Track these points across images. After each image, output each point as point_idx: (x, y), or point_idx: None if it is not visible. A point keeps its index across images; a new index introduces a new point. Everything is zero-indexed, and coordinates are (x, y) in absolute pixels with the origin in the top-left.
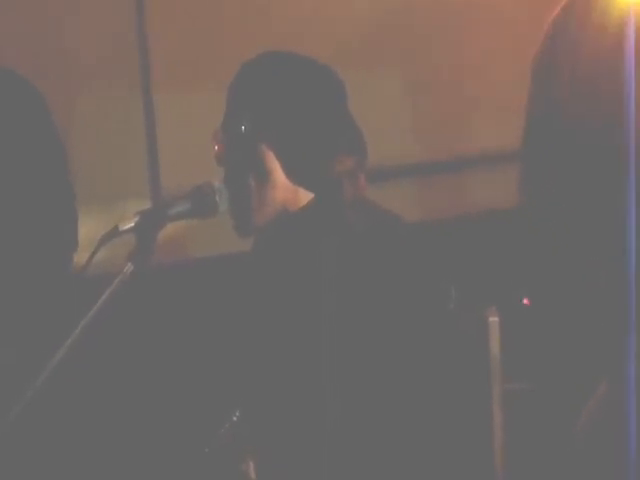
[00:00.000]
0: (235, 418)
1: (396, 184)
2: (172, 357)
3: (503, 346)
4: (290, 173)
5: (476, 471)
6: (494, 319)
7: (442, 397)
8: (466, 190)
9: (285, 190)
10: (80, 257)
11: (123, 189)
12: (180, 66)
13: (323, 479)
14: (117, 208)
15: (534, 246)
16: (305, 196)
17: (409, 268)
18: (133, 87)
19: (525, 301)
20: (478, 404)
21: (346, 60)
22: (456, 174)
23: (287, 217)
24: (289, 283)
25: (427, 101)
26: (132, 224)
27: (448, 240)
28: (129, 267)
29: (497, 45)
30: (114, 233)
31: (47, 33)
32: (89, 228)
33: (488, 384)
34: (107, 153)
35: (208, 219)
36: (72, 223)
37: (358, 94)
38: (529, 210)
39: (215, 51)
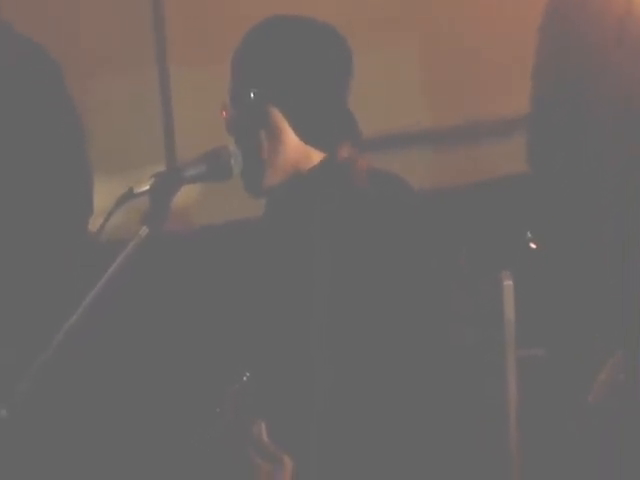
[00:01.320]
0: (245, 379)
1: (409, 150)
2: (183, 322)
3: (517, 312)
4: (300, 133)
5: (490, 440)
6: (508, 283)
7: (455, 364)
8: (480, 156)
9: (296, 150)
10: (96, 224)
11: (139, 159)
12: (195, 36)
13: (330, 441)
14: (133, 178)
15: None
16: (317, 156)
17: (420, 233)
18: (148, 58)
19: (532, 245)
20: (492, 370)
21: (359, 25)
22: (469, 140)
23: (299, 177)
24: (300, 244)
25: (440, 66)
26: (147, 186)
27: (461, 206)
28: (144, 230)
29: (515, 10)
30: (129, 195)
31: (64, 6)
32: (105, 198)
33: (502, 349)
34: (123, 123)
35: (222, 181)
36: (87, 189)
37: (371, 59)
38: (537, 177)
39: (230, 20)
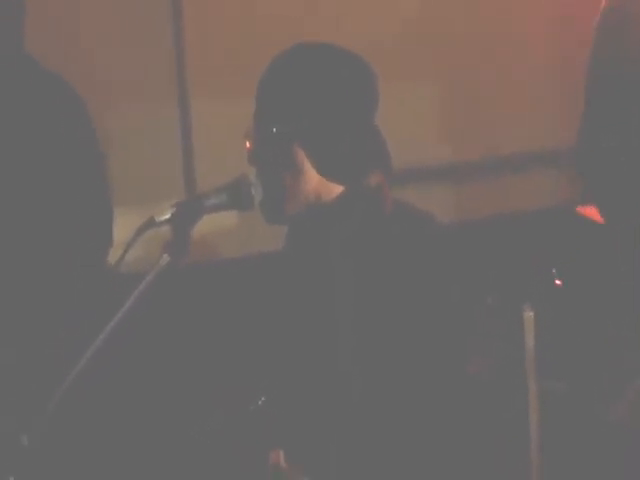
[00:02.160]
0: (260, 402)
1: (431, 185)
2: (204, 347)
3: (540, 344)
4: (322, 170)
5: (513, 468)
6: (529, 314)
7: (478, 394)
8: (499, 192)
9: (318, 183)
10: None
11: (159, 191)
12: (215, 66)
13: (345, 464)
14: (152, 210)
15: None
16: (338, 188)
17: (441, 264)
18: (169, 89)
19: (557, 282)
20: (515, 401)
21: (380, 60)
22: (489, 176)
23: (318, 207)
24: (319, 272)
25: (462, 103)
26: (168, 215)
27: (482, 240)
28: (165, 258)
29: (532, 48)
30: (151, 223)
31: (87, 40)
32: (124, 229)
33: (524, 379)
34: (143, 154)
35: (243, 211)
36: (108, 220)
37: (393, 96)
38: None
39: (251, 51)
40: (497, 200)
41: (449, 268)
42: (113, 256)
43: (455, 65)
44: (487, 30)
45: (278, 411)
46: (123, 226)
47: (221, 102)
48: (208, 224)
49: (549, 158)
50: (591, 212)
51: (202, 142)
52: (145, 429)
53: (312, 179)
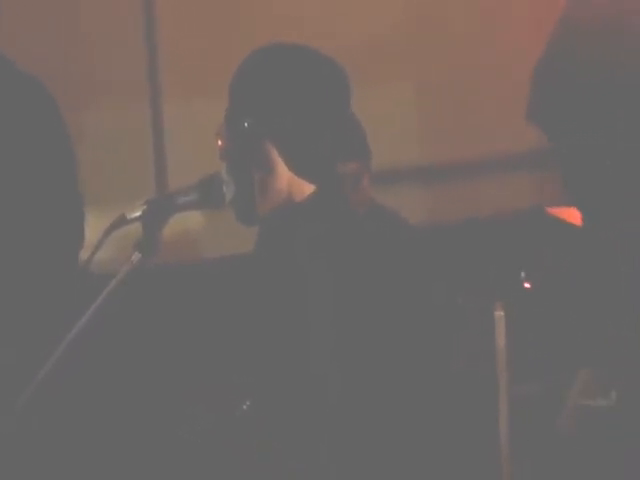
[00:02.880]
0: (245, 407)
1: (403, 187)
2: (180, 350)
3: (510, 346)
4: (293, 167)
5: (482, 472)
6: (500, 313)
7: (448, 396)
8: (473, 194)
9: (289, 181)
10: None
11: (131, 192)
12: (187, 66)
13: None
14: (124, 209)
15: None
16: (309, 187)
17: (413, 265)
18: (140, 90)
19: (527, 285)
20: (485, 403)
21: (355, 61)
22: (464, 178)
23: (291, 207)
24: (293, 273)
25: (436, 104)
26: (139, 212)
27: (454, 241)
28: (136, 256)
29: (509, 48)
30: (121, 221)
31: (58, 39)
32: (96, 230)
33: (495, 379)
34: (114, 155)
35: (214, 210)
36: (79, 221)
37: (368, 96)
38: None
39: (223, 51)
40: (471, 202)
41: (422, 269)
42: (84, 256)
43: (432, 66)
44: (466, 31)
45: (264, 414)
46: (95, 226)
47: (193, 101)
48: (180, 224)
49: (524, 160)
50: (560, 212)
51: (174, 141)
52: (119, 430)
53: (283, 177)
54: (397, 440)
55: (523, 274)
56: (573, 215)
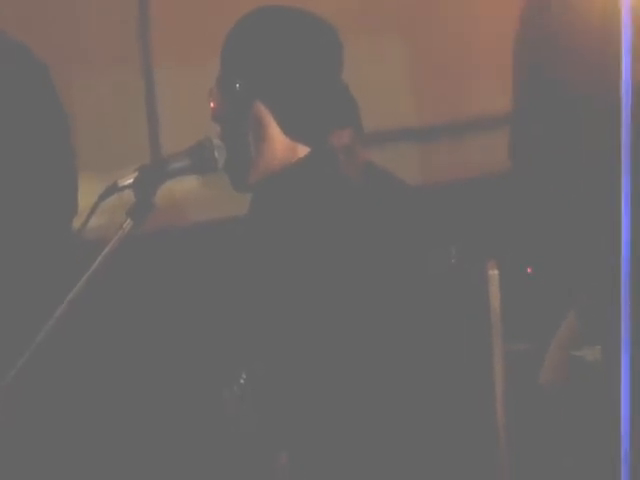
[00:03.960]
0: (242, 380)
1: (396, 147)
2: (173, 320)
3: (504, 306)
4: (286, 129)
5: (477, 431)
6: (494, 272)
7: (443, 356)
8: (465, 153)
9: (282, 145)
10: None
11: (124, 158)
12: (179, 32)
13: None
14: (117, 176)
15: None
16: (303, 150)
17: (409, 228)
18: (132, 56)
19: (529, 270)
20: (480, 361)
21: (347, 22)
22: (456, 137)
23: (284, 172)
24: (287, 237)
25: (427, 62)
26: (131, 180)
27: (449, 202)
28: (128, 223)
29: (502, 8)
30: (113, 188)
31: (50, 7)
32: (89, 197)
33: (489, 339)
34: (107, 121)
35: (207, 175)
36: (72, 188)
37: (359, 57)
38: (518, 174)
39: (215, 16)
40: (465, 161)
41: (418, 231)
42: (78, 222)
43: (422, 26)
44: None
45: (261, 389)
46: (88, 192)
47: (185, 67)
48: (173, 188)
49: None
50: None
51: (166, 106)
52: (111, 409)
53: (277, 140)
54: (396, 402)
55: (527, 261)
56: None
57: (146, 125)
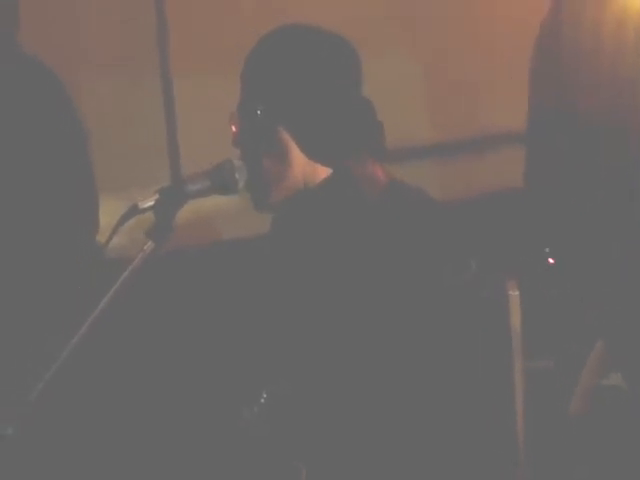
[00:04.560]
0: (263, 400)
1: (414, 164)
2: (195, 340)
3: (525, 323)
4: (307, 152)
5: (498, 450)
6: (514, 293)
7: (462, 375)
8: (483, 169)
9: (303, 167)
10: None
11: (144, 176)
12: (199, 47)
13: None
14: (138, 195)
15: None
16: (324, 171)
17: (428, 243)
18: (152, 71)
19: (550, 260)
20: (500, 382)
21: (366, 40)
22: (473, 153)
23: (305, 192)
24: (309, 258)
25: (446, 79)
26: (152, 202)
27: (467, 218)
28: (149, 245)
29: (519, 25)
30: (134, 211)
31: (67, 18)
32: (110, 215)
33: (509, 360)
34: (127, 139)
35: (227, 196)
36: (93, 206)
37: (378, 75)
38: (533, 195)
39: (234, 33)
40: (483, 178)
41: (440, 249)
42: (99, 242)
43: (440, 43)
44: (474, 7)
45: (282, 408)
46: (108, 211)
47: (207, 85)
48: (194, 207)
49: None
50: None
51: (187, 125)
52: (130, 422)
53: (298, 162)
54: (417, 419)
55: (547, 249)
56: None
57: (166, 143)
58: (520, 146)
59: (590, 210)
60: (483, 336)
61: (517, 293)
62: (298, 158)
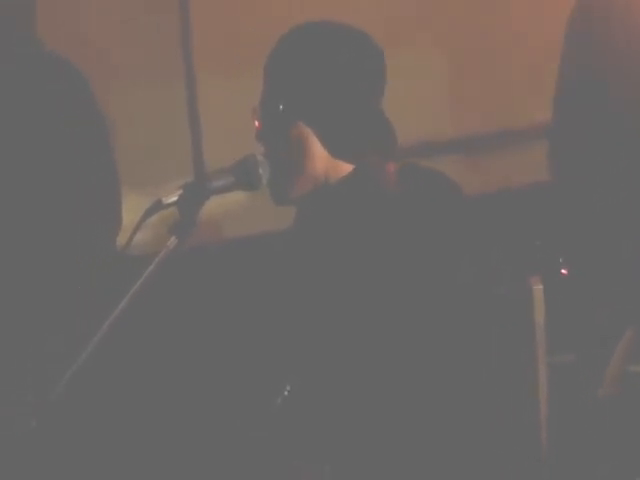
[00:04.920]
0: (287, 392)
1: (440, 159)
2: (216, 334)
3: (547, 318)
4: (329, 148)
5: (521, 445)
6: (538, 287)
7: (486, 369)
8: (511, 165)
9: (324, 162)
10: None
11: (168, 172)
12: (222, 46)
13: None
14: (162, 191)
15: (571, 219)
16: (345, 167)
17: (451, 238)
18: (175, 69)
19: (563, 271)
20: (523, 376)
21: (389, 34)
22: (500, 149)
23: (327, 188)
24: (331, 254)
25: (469, 74)
26: (175, 197)
27: (493, 213)
28: (172, 241)
29: (545, 20)
30: (158, 206)
31: (91, 19)
32: (133, 211)
33: (533, 355)
34: (150, 136)
35: (252, 192)
36: (115, 202)
37: (402, 69)
38: (559, 186)
39: (258, 29)
40: (508, 173)
41: (459, 240)
42: (122, 239)
43: (465, 36)
44: (496, 3)
45: (303, 403)
46: (132, 208)
47: (229, 80)
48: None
49: None
50: None
51: (210, 120)
52: (156, 417)
53: (319, 158)
54: (438, 416)
55: (561, 259)
56: None
57: (189, 139)
58: (541, 142)
59: (613, 206)
60: (503, 332)
61: (541, 287)
62: (319, 153)
